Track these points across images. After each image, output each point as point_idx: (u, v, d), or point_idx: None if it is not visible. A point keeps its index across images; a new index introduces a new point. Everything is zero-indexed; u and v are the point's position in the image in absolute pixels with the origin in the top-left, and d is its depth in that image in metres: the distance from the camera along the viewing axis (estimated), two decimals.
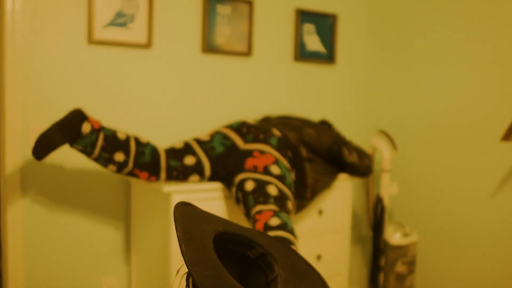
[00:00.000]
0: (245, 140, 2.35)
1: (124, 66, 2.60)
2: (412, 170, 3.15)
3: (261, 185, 2.16)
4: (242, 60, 2.96)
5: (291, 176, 2.33)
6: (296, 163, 2.45)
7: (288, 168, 2.33)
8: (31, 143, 2.38)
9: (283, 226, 2.02)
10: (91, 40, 2.49)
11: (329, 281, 2.75)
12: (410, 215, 3.17)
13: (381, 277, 2.94)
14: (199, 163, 2.31)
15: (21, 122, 2.36)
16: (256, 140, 2.33)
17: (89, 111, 2.52)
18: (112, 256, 2.63)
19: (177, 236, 0.99)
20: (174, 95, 2.76)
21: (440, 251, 3.00)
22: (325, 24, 3.25)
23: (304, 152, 2.48)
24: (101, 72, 2.54)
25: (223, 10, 2.86)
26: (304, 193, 2.47)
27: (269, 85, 3.07)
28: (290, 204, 2.18)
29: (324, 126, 2.76)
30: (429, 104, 3.05)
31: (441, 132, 2.98)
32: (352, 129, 3.43)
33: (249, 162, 2.24)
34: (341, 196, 2.73)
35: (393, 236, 2.85)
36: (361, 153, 2.69)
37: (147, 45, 2.64)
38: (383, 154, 2.94)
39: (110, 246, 2.63)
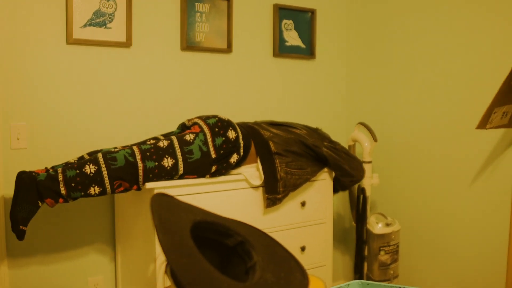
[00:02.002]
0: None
1: (104, 65, 2.61)
2: (392, 161, 3.20)
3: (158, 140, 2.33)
4: (222, 57, 2.99)
5: (211, 154, 2.34)
6: (265, 156, 2.50)
7: (210, 144, 2.34)
8: (14, 145, 2.38)
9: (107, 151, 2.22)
10: (69, 40, 2.49)
11: (313, 273, 2.79)
12: (391, 206, 3.23)
13: (365, 267, 2.99)
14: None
15: (2, 123, 2.37)
16: (199, 118, 2.45)
17: (69, 111, 2.53)
18: (97, 256, 2.65)
19: (154, 225, 1.02)
20: (155, 92, 2.78)
21: (422, 240, 3.06)
22: (304, 20, 3.29)
23: (273, 146, 2.52)
24: (81, 71, 2.55)
25: (201, 7, 2.88)
26: (275, 186, 2.50)
27: (249, 80, 3.10)
28: (166, 161, 2.24)
29: (314, 129, 2.81)
30: (407, 95, 3.10)
31: (419, 123, 3.03)
32: (333, 122, 3.48)
33: None
34: (322, 187, 2.77)
35: (376, 225, 2.89)
36: (351, 157, 2.75)
37: (127, 44, 2.65)
38: (363, 146, 2.98)
39: (96, 246, 2.64)
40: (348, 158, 2.71)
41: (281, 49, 3.21)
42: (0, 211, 2.39)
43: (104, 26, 2.59)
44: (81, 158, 2.34)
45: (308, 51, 3.33)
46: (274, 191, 2.52)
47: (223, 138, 2.38)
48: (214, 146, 2.35)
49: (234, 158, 2.43)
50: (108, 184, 2.16)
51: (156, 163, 2.23)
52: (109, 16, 2.60)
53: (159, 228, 1.02)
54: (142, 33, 2.71)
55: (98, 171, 2.14)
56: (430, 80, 2.97)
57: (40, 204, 2.12)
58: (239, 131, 2.46)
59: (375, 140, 2.95)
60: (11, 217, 2.11)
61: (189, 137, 2.34)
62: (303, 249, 2.71)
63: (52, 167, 2.23)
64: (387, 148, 3.23)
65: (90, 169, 2.14)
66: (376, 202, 3.33)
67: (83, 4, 2.52)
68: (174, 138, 2.32)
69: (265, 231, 2.58)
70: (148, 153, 2.23)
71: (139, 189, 2.26)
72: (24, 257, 2.46)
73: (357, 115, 3.43)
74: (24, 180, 2.10)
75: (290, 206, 2.66)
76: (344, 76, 3.51)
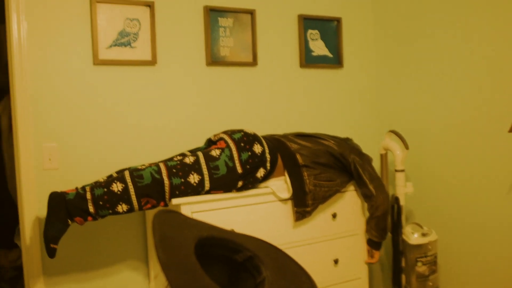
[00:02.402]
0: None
1: (130, 84, 2.65)
2: (427, 169, 3.10)
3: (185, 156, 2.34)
4: (248, 70, 2.99)
5: (238, 169, 2.31)
6: (293, 169, 2.46)
7: (236, 159, 2.32)
8: (46, 166, 2.45)
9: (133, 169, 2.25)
10: (96, 61, 2.55)
11: (349, 286, 2.72)
12: (428, 215, 3.12)
13: (404, 279, 2.89)
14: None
15: (34, 145, 2.43)
16: (225, 133, 2.45)
17: (98, 130, 2.58)
18: (131, 273, 2.67)
19: (154, 243, 1.01)
20: (182, 109, 2.80)
21: (462, 250, 2.93)
22: (329, 29, 3.25)
23: (301, 159, 2.48)
24: (108, 91, 2.60)
25: (225, 22, 2.89)
26: (304, 199, 2.46)
27: (276, 92, 3.08)
28: (192, 178, 2.24)
29: (343, 139, 2.75)
30: (439, 102, 3.00)
31: (453, 129, 2.93)
32: (363, 131, 3.40)
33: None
34: (353, 198, 2.70)
35: (411, 236, 2.80)
36: (379, 183, 2.63)
37: (152, 62, 2.69)
38: (395, 154, 2.90)
39: (129, 263, 2.67)
40: (370, 173, 2.62)
41: (308, 60, 3.18)
42: (35, 230, 2.45)
43: (129, 46, 2.64)
44: (110, 176, 2.37)
45: (335, 60, 3.29)
46: (303, 204, 2.48)
47: (249, 153, 2.36)
48: (240, 161, 2.33)
49: (261, 173, 2.40)
50: (135, 201, 2.18)
51: (183, 180, 2.23)
52: (134, 36, 2.64)
53: (159, 246, 1.01)
54: (166, 50, 2.74)
55: (125, 189, 2.17)
56: (462, 87, 2.86)
57: (70, 222, 2.16)
58: (265, 145, 2.44)
59: (406, 147, 2.87)
60: (44, 235, 2.16)
61: (215, 152, 2.33)
62: (336, 262, 2.65)
63: (82, 187, 2.27)
64: (421, 156, 3.13)
65: (117, 187, 2.17)
66: (413, 211, 3.23)
67: (108, 26, 2.58)
68: (200, 154, 2.33)
69: (295, 244, 2.54)
70: (174, 170, 2.24)
71: (166, 205, 2.27)
72: (60, 275, 2.51)
73: (388, 123, 3.35)
74: (55, 199, 2.14)
75: (321, 218, 2.61)
76: (373, 84, 3.44)
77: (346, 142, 2.71)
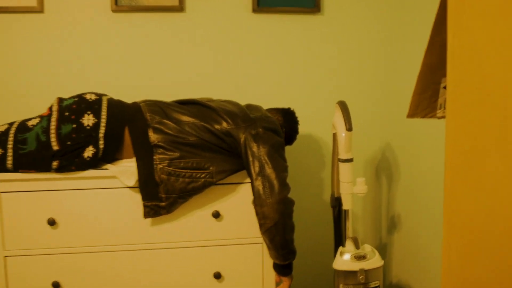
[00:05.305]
0: None
1: (12, 33, 2.28)
2: (419, 165, 2.12)
3: None
4: (171, 17, 2.36)
5: (53, 145, 1.78)
6: (141, 149, 1.82)
7: (52, 133, 1.78)
8: None
9: None
10: None
11: None
12: (394, 229, 2.15)
13: None
14: None
15: None
16: (58, 98, 1.92)
17: None
18: None
19: None
20: (79, 64, 2.33)
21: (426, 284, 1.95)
22: None
23: (154, 136, 1.82)
24: None
25: None
26: (155, 191, 1.81)
27: (213, 46, 2.39)
28: None
29: (247, 110, 1.98)
30: None
31: None
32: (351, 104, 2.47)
33: None
34: (247, 195, 1.94)
35: (338, 257, 1.93)
36: (270, 180, 1.85)
37: (38, 8, 2.26)
38: (338, 136, 2.00)
39: None
40: (262, 163, 1.82)
41: (264, 1, 2.39)
42: None
43: None
44: None
45: (310, 3, 2.41)
46: (153, 197, 1.84)
47: (74, 126, 1.80)
48: (58, 136, 1.79)
49: (89, 152, 1.83)
50: None
51: None
52: None
53: None
54: None
55: None
56: None
57: None
58: (104, 116, 1.84)
59: (347, 128, 1.95)
60: None
61: (33, 122, 1.85)
62: (217, 276, 1.96)
63: None
64: (413, 150, 2.15)
65: None
66: (379, 222, 2.27)
67: None
68: (16, 122, 1.87)
69: (153, 246, 1.94)
70: None
71: None
72: None
73: (384, 93, 2.39)
74: None
75: (195, 216, 1.94)
76: (368, 40, 2.46)
77: (248, 115, 1.93)
